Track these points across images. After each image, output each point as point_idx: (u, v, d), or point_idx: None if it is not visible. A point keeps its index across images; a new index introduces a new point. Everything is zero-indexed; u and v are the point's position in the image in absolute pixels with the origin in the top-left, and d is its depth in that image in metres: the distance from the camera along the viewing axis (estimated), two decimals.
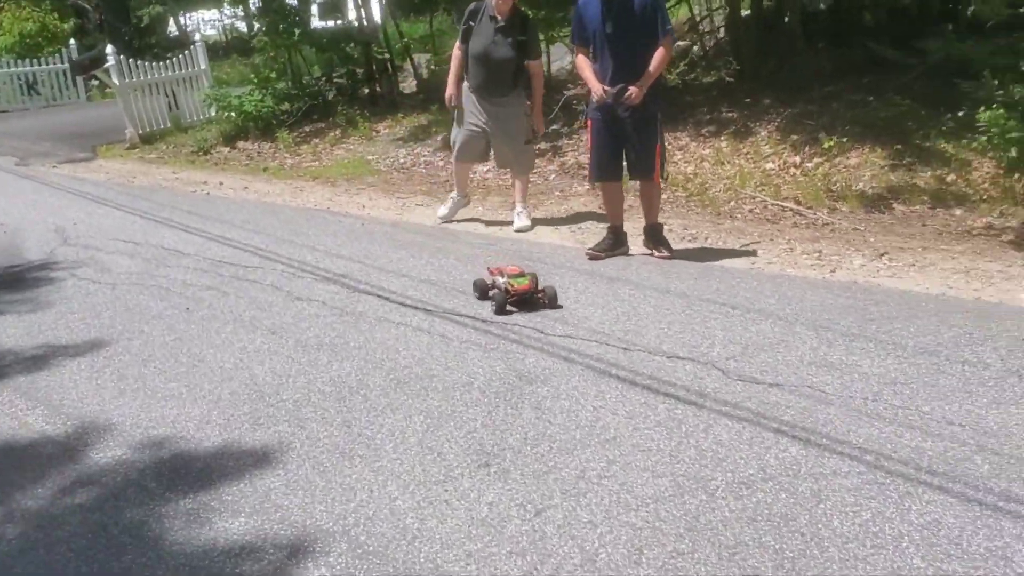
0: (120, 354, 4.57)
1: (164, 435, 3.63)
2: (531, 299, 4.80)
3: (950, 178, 6.84)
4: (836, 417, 3.37)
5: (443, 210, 7.28)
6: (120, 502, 3.16)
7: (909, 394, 3.52)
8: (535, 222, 6.86)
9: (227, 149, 11.58)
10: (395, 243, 6.49)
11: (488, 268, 5.15)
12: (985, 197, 6.49)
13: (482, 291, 4.96)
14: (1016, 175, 6.58)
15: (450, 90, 6.84)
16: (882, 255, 5.56)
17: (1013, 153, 6.40)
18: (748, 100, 9.01)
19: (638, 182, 5.91)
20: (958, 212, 6.41)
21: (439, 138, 10.11)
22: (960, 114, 6.91)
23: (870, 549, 2.58)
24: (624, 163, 5.73)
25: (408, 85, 13.31)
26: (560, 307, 4.80)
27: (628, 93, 5.36)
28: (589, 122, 5.73)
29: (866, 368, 3.79)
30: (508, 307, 4.75)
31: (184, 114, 13.20)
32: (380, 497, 3.05)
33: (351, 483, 3.16)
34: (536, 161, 8.83)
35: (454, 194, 7.27)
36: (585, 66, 5.70)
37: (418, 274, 5.59)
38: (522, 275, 4.84)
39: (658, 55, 5.44)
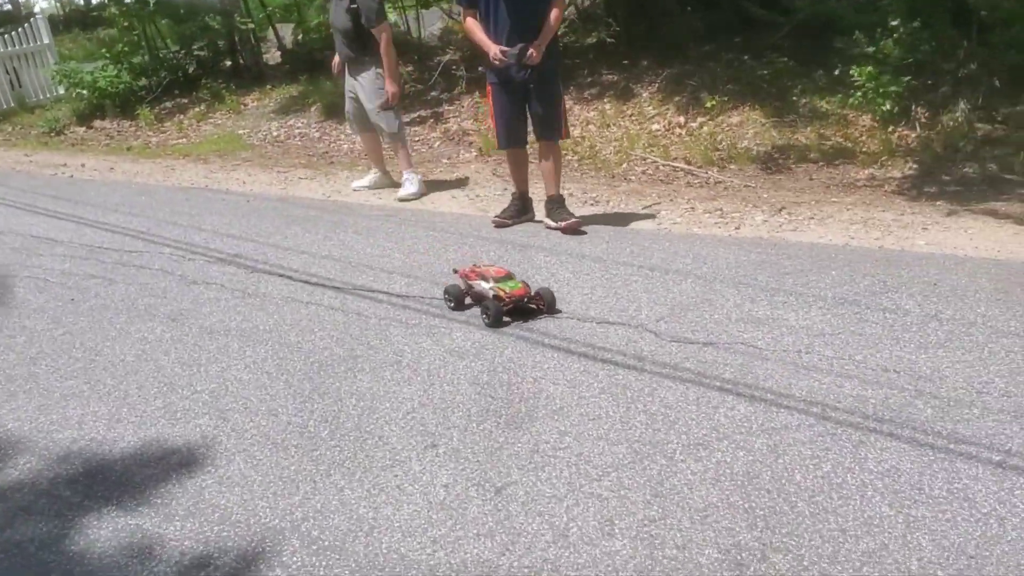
0: (2, 353, 4.18)
1: (71, 438, 3.33)
2: (526, 306, 4.13)
3: (829, 132, 7.05)
4: (775, 371, 3.39)
5: (358, 183, 7.14)
6: (32, 516, 2.88)
7: (840, 344, 3.57)
8: (430, 189, 6.68)
9: (83, 129, 10.86)
10: (287, 218, 6.20)
11: (456, 270, 4.39)
12: (865, 150, 6.72)
13: (458, 300, 4.25)
14: (891, 127, 6.85)
15: (335, 60, 6.83)
16: (780, 210, 5.67)
17: (887, 106, 6.66)
18: (627, 62, 9.05)
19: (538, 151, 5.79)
20: (841, 166, 6.61)
21: (313, 109, 9.76)
22: (835, 73, 7.13)
23: (837, 501, 2.59)
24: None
25: (272, 56, 12.75)
26: (559, 312, 4.15)
27: (528, 53, 5.23)
28: (489, 87, 5.57)
29: (793, 321, 3.83)
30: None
31: (29, 92, 12.33)
32: (326, 488, 2.88)
33: (291, 475, 2.97)
34: (417, 129, 8.66)
35: (374, 170, 7.12)
36: (476, 28, 5.50)
37: (318, 250, 5.35)
38: (511, 277, 4.17)
39: (553, 12, 5.32)
